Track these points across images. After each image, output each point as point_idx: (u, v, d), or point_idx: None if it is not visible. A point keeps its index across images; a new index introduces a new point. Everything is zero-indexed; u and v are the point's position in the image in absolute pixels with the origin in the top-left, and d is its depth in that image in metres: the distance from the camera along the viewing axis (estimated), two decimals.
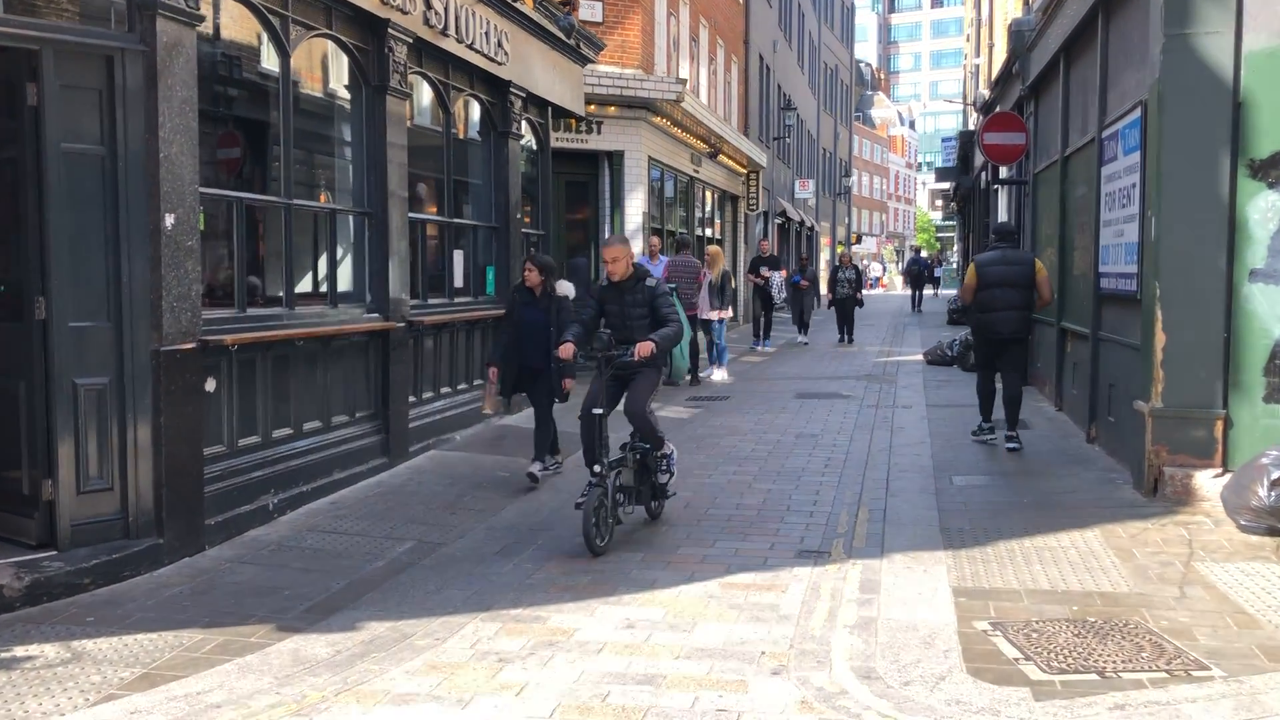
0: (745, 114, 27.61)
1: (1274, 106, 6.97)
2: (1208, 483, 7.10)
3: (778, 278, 19.88)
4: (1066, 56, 11.21)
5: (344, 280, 8.53)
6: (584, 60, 13.44)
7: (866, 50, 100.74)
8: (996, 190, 19.43)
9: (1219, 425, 7.18)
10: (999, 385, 9.68)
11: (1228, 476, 6.89)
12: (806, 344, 20.72)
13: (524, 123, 11.79)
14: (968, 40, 34.55)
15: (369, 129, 8.51)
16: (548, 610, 5.39)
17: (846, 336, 21.14)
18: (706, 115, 19.44)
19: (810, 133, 43.47)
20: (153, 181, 5.92)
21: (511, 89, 11.13)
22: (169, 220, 6.00)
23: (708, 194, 23.01)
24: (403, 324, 8.82)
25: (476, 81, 10.64)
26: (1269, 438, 6.91)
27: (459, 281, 10.44)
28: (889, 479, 8.41)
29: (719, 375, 15.14)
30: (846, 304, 21.31)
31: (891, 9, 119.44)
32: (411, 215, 9.24)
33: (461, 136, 10.87)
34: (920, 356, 17.83)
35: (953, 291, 37.96)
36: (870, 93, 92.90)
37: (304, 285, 8.11)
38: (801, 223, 40.17)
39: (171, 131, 6.00)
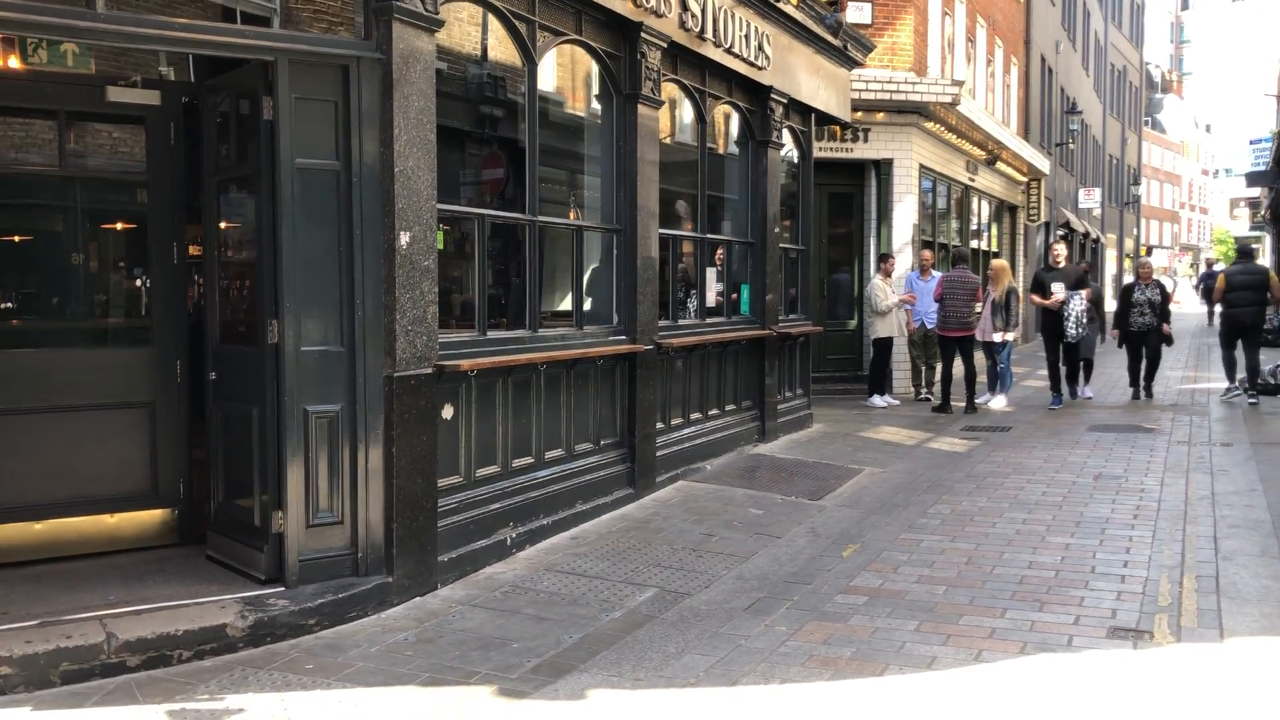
0: (1025, 118, 25.70)
1: None
2: None
3: (1078, 301, 13.40)
4: None
5: (590, 300, 8.05)
6: (851, 63, 12.54)
7: (1156, 51, 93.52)
8: None
9: None
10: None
11: None
12: (1090, 398, 14.52)
13: (785, 131, 11.03)
14: None
15: (619, 140, 7.99)
16: (802, 691, 4.57)
17: (1144, 388, 14.41)
18: (984, 119, 18.00)
19: (1095, 138, 40.35)
20: (387, 198, 5.58)
21: (772, 95, 10.40)
22: (404, 239, 5.64)
23: (984, 204, 21.43)
24: (651, 346, 8.25)
25: (735, 88, 9.98)
26: None
27: (711, 301, 9.79)
28: (1216, 536, 7.04)
29: (998, 403, 13.77)
30: (1148, 340, 14.17)
31: (1184, 6, 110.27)
32: (662, 231, 8.67)
33: (717, 147, 10.26)
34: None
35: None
36: (1160, 96, 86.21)
37: (549, 306, 7.69)
38: (1086, 234, 37.25)
39: (407, 145, 5.64)
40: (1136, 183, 54.82)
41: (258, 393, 5.53)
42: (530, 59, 6.95)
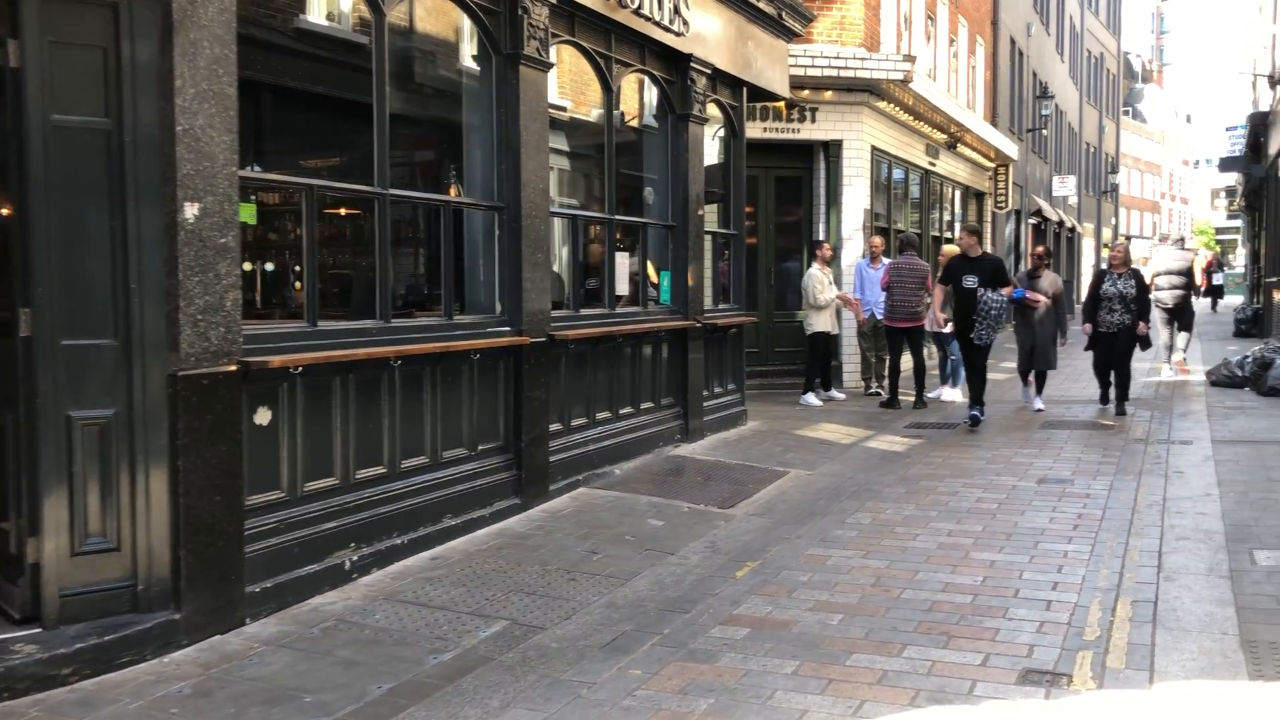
0: (993, 102, 24.90)
1: None
2: None
3: (993, 298, 10.79)
4: None
5: (468, 288, 7.18)
6: (789, 34, 11.67)
7: (1138, 41, 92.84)
8: None
9: None
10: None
11: None
12: (1042, 411, 12.02)
13: (710, 105, 10.17)
14: (1260, 11, 30.20)
15: (500, 107, 7.10)
16: None
17: (1116, 398, 11.84)
18: (943, 100, 17.17)
19: (1071, 126, 39.60)
20: (168, 162, 4.69)
21: (693, 65, 9.52)
22: (190, 211, 4.75)
23: (947, 190, 20.60)
24: (543, 339, 7.38)
25: (649, 55, 9.09)
26: None
27: (622, 288, 8.92)
28: (1162, 551, 6.22)
29: (951, 397, 12.96)
30: (1119, 341, 11.71)
31: None
32: (558, 211, 7.81)
33: (628, 120, 9.39)
34: (1202, 376, 14.93)
35: (1239, 299, 33.34)
36: (1140, 85, 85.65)
37: (415, 293, 6.82)
38: (1061, 223, 36.51)
39: (195, 100, 4.75)
40: (1115, 171, 54.03)
41: (12, 395, 4.63)
42: (377, 8, 6.04)
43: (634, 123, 9.61)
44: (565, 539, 6.68)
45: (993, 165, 23.74)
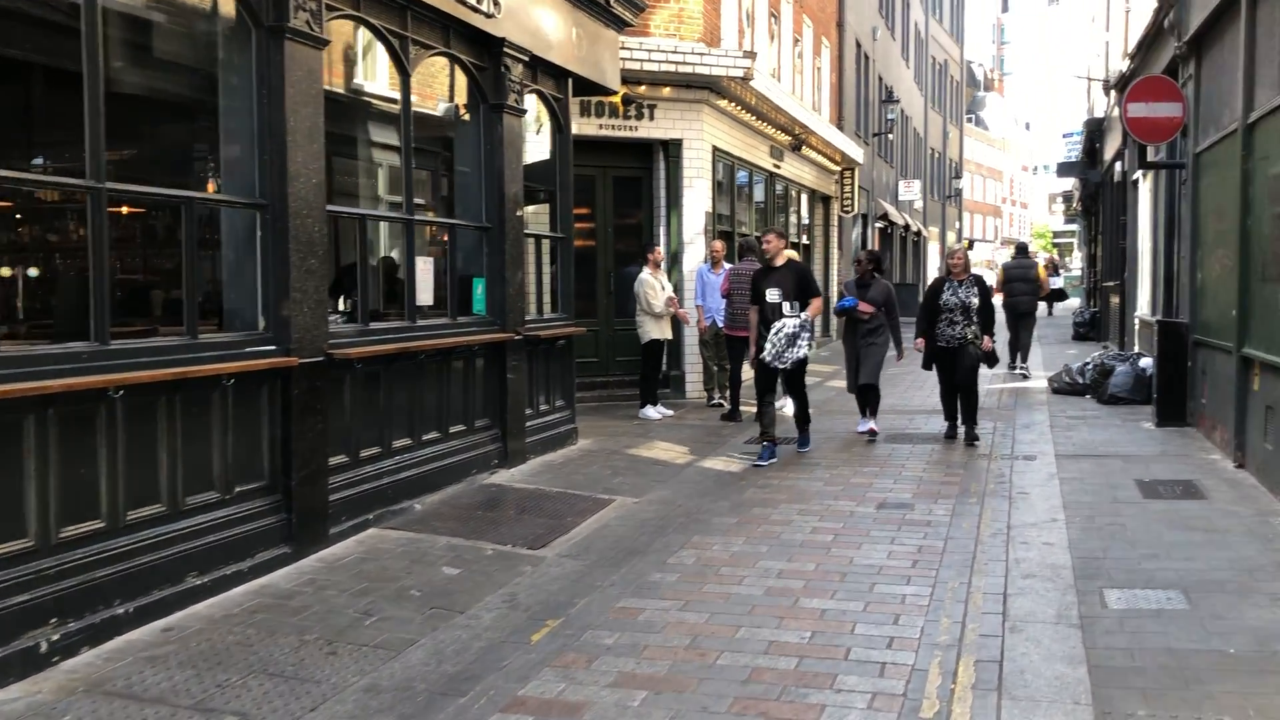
0: (839, 105, 24.72)
1: None
2: None
3: (790, 319, 9.20)
4: None
5: (224, 299, 6.12)
6: (620, 23, 10.87)
7: (980, 50, 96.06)
8: (1136, 181, 16.23)
9: None
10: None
11: None
12: (875, 435, 10.55)
13: (529, 95, 9.28)
14: (1093, 22, 30.99)
15: (261, 88, 6.05)
16: None
17: (965, 425, 10.25)
18: (786, 100, 16.68)
19: (917, 131, 40.22)
20: None
21: (507, 49, 8.61)
22: None
23: (793, 193, 20.21)
24: (319, 358, 6.37)
25: (454, 38, 8.14)
26: None
27: (425, 298, 7.94)
28: (1007, 594, 5.61)
29: (793, 409, 12.34)
30: (962, 360, 10.14)
31: (1004, 8, 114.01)
32: (337, 210, 6.81)
33: (430, 109, 8.42)
34: (1044, 384, 14.77)
35: (1075, 302, 34.19)
36: (982, 94, 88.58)
37: (155, 309, 5.73)
38: (906, 227, 36.98)
39: None
40: (958, 176, 55.43)
41: None
42: None
43: (441, 113, 8.65)
44: (337, 597, 5.69)
45: (839, 169, 23.54)
